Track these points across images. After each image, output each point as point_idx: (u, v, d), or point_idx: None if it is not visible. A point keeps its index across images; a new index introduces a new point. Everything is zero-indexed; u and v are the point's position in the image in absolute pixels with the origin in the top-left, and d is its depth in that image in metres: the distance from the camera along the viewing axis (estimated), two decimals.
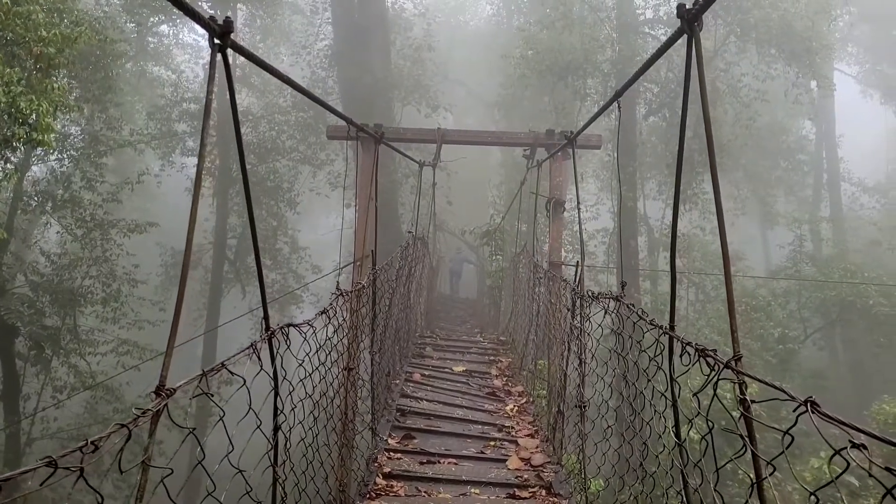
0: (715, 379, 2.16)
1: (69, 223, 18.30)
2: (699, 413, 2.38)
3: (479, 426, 7.73)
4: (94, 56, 17.27)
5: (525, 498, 5.69)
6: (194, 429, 2.26)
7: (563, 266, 11.75)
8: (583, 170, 24.19)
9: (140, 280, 20.47)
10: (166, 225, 24.87)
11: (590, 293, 4.91)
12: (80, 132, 20.09)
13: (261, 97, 27.89)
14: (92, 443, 1.69)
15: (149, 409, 1.94)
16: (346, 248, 17.26)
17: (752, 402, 1.93)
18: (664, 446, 3.14)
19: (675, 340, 2.69)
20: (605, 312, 4.30)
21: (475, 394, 9.23)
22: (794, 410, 1.62)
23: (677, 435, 2.75)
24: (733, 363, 2.10)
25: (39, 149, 16.58)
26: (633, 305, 3.52)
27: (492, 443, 7.16)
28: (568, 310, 6.19)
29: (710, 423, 2.17)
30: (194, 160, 26.13)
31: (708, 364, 2.28)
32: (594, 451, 4.82)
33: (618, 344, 4.04)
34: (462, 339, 14.27)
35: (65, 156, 18.67)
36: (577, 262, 6.05)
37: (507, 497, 5.72)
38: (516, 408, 8.55)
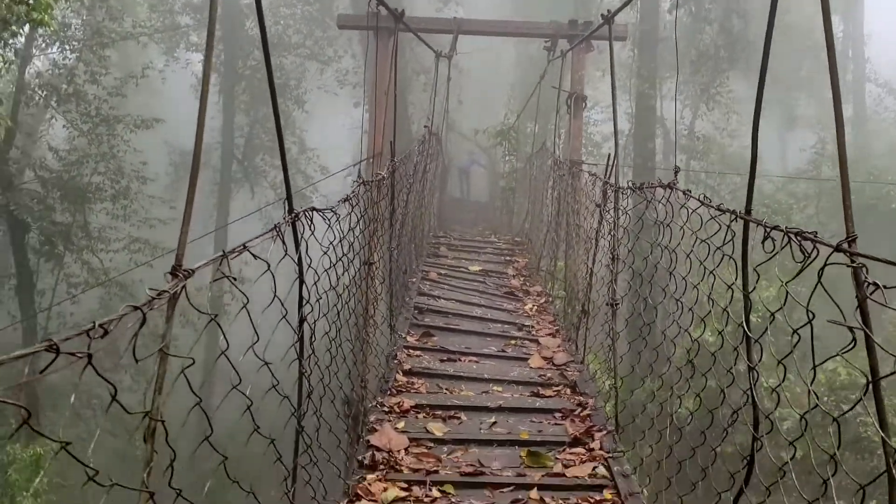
0: (815, 264, 1.89)
1: (74, 117, 17.89)
2: (788, 296, 2.10)
3: (499, 325, 7.58)
4: None
5: (549, 396, 5.56)
6: (216, 315, 2.02)
7: (583, 165, 11.38)
8: (603, 66, 23.32)
9: (149, 178, 20.18)
10: (172, 122, 24.34)
11: (631, 183, 4.59)
12: (80, 24, 19.37)
13: None
14: (100, 326, 1.43)
15: (165, 291, 1.68)
16: (357, 149, 16.82)
17: (886, 286, 1.65)
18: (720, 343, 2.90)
19: (753, 228, 2.41)
20: (648, 202, 3.99)
21: (493, 293, 9.06)
22: None
23: (747, 326, 2.50)
24: (846, 244, 1.82)
25: (40, 32, 16.03)
26: (690, 191, 3.22)
27: (512, 341, 7.01)
28: (597, 205, 5.88)
29: (810, 314, 1.91)
30: (199, 56, 25.33)
31: (802, 251, 2.00)
32: (627, 348, 4.63)
33: (662, 235, 3.75)
34: (476, 239, 14.04)
35: (66, 47, 18.09)
36: (609, 154, 5.71)
37: (530, 395, 5.60)
38: (535, 307, 8.39)
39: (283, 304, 2.42)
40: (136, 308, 1.55)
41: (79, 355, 1.35)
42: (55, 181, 16.97)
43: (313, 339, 3.12)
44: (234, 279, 2.03)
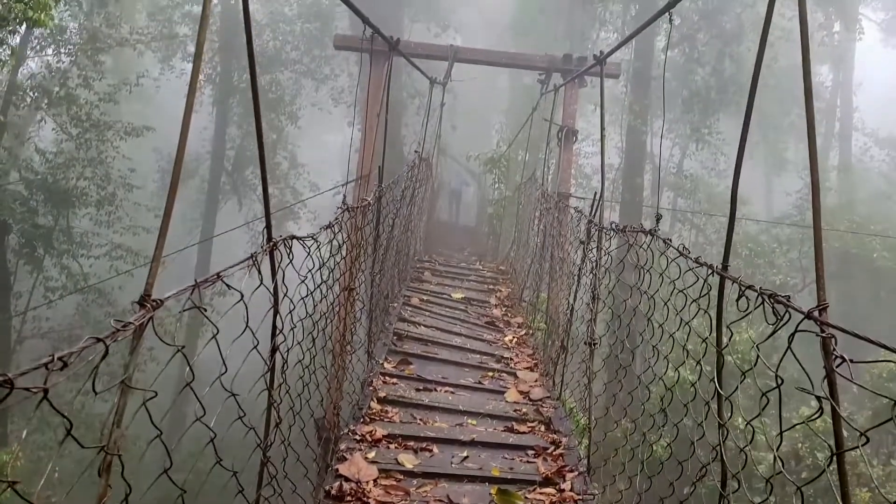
0: (782, 327, 1.89)
1: (64, 121, 17.79)
2: (757, 362, 2.10)
3: (478, 355, 7.54)
4: None
5: (523, 432, 5.52)
6: (183, 346, 1.99)
7: (571, 198, 11.43)
8: (595, 100, 23.52)
9: (136, 185, 20.06)
10: (164, 131, 24.29)
11: (614, 224, 4.61)
12: (77, 27, 19.36)
13: (265, 4, 26.88)
14: (59, 359, 1.40)
15: (130, 322, 1.65)
16: (347, 166, 16.85)
17: (852, 361, 1.65)
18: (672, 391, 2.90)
19: (729, 282, 2.41)
20: (630, 246, 4.00)
21: (474, 322, 9.03)
22: None
23: (719, 383, 2.49)
24: (817, 313, 1.82)
25: (36, 34, 16.00)
26: (671, 240, 3.24)
27: (490, 373, 6.98)
28: (582, 242, 5.89)
29: (779, 378, 1.90)
30: None
31: (775, 313, 2.00)
32: (603, 389, 4.61)
33: (641, 279, 3.76)
34: (461, 265, 14.03)
35: (62, 50, 18.05)
36: (595, 192, 5.73)
37: (504, 430, 5.56)
38: (515, 339, 8.36)
39: (254, 335, 2.39)
40: (98, 340, 1.52)
41: (34, 390, 1.32)
42: (40, 183, 16.82)
43: (285, 367, 3.09)
44: (205, 310, 2.01)
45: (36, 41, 17.77)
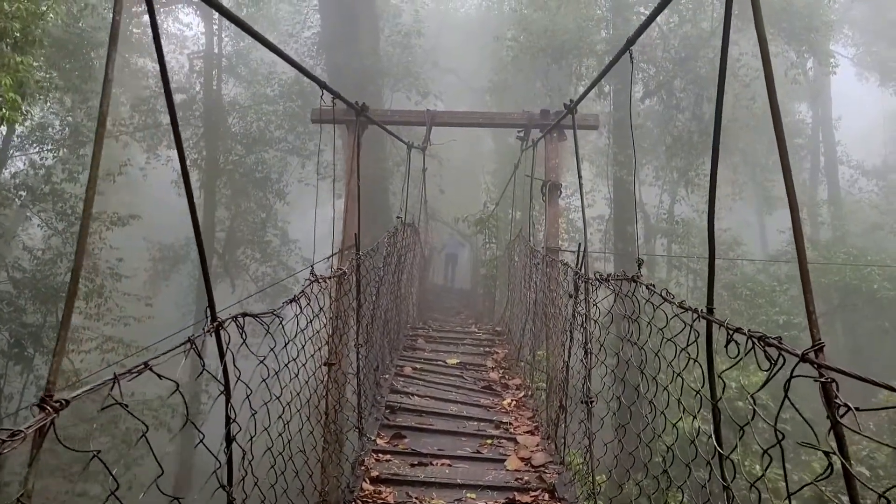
0: (777, 373, 1.66)
1: (50, 217, 17.70)
2: (755, 412, 1.87)
3: (475, 423, 7.21)
4: (73, 44, 16.73)
5: (526, 503, 5.19)
6: (99, 452, 1.75)
7: (559, 252, 11.25)
8: (580, 152, 23.66)
9: (125, 275, 19.85)
10: (152, 219, 24.25)
11: (598, 275, 4.40)
12: (60, 123, 19.49)
13: (248, 87, 27.26)
14: None
15: (21, 430, 1.42)
16: (336, 239, 16.74)
17: (857, 409, 1.41)
18: (673, 447, 2.63)
19: (716, 326, 2.19)
20: (617, 295, 3.79)
21: (470, 388, 8.72)
22: None
23: (718, 441, 2.25)
24: (813, 354, 1.60)
25: (18, 131, 16.06)
26: (654, 286, 3.02)
27: (488, 441, 6.65)
28: (570, 296, 5.67)
29: (779, 434, 1.66)
30: None
31: (768, 357, 1.78)
32: (604, 451, 4.32)
33: (630, 331, 3.53)
34: (456, 329, 13.76)
35: (45, 147, 18.11)
36: (580, 244, 5.54)
37: (506, 502, 5.22)
38: (514, 402, 8.04)
39: (197, 429, 2.15)
40: None
41: None
42: (27, 282, 16.63)
43: (250, 458, 2.81)
44: (126, 406, 1.78)
45: (19, 140, 17.86)
